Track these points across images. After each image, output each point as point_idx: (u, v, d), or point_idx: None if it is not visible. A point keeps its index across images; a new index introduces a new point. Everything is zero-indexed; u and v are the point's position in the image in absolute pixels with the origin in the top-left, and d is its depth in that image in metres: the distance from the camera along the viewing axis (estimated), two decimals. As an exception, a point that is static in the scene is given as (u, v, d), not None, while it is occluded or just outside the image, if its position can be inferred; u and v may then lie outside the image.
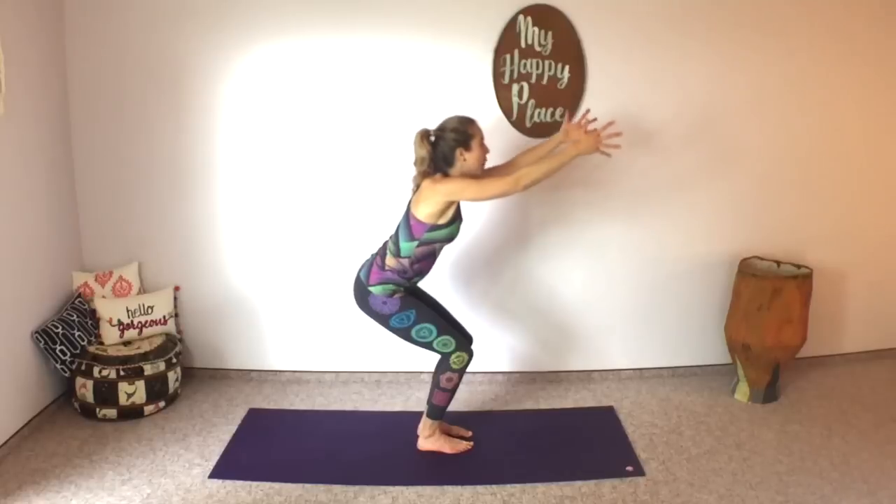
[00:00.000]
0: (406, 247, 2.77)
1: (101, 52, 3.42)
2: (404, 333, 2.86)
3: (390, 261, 2.81)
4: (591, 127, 2.87)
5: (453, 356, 2.87)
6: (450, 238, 2.82)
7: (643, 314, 3.76)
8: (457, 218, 2.80)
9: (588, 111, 2.94)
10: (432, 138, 2.76)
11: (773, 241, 3.72)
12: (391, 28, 3.40)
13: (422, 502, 2.67)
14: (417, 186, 2.80)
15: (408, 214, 2.77)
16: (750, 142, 3.60)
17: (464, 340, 2.92)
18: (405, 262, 2.78)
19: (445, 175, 2.77)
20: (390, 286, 2.81)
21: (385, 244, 2.88)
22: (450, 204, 2.72)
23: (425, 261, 2.83)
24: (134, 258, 3.65)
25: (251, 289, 3.69)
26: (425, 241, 2.76)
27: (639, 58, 3.46)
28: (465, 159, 2.74)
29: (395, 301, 2.80)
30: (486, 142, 3.51)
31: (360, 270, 2.91)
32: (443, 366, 2.91)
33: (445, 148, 2.73)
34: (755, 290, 3.38)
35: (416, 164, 2.78)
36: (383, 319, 2.84)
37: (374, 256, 2.90)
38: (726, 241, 3.71)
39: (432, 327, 2.83)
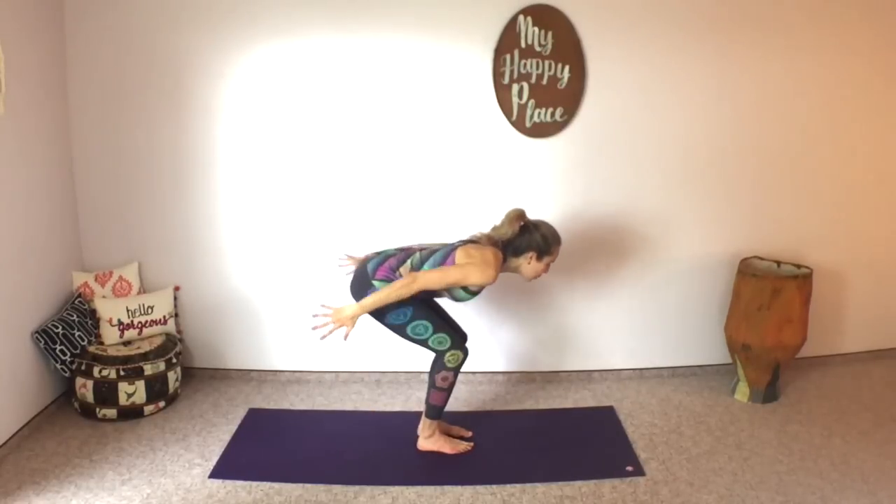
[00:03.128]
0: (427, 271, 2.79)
1: (101, 52, 3.42)
2: (400, 330, 2.86)
3: (404, 270, 2.82)
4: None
5: (448, 354, 2.87)
6: (456, 299, 2.87)
7: (643, 314, 3.76)
8: (478, 293, 2.85)
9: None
10: (523, 224, 2.83)
11: (773, 241, 3.72)
12: (391, 28, 3.40)
13: (422, 502, 2.67)
14: (478, 242, 2.83)
15: (452, 251, 2.79)
16: (751, 141, 3.60)
17: (458, 339, 2.92)
18: None
19: (504, 260, 2.82)
20: None
21: (407, 253, 2.87)
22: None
23: (430, 293, 2.86)
24: (134, 258, 3.65)
25: (251, 289, 3.69)
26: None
27: (639, 57, 3.46)
28: (529, 263, 2.84)
29: None
30: (487, 145, 3.53)
31: (367, 262, 2.91)
32: (437, 364, 2.91)
33: (524, 242, 2.82)
34: (755, 290, 3.38)
35: (494, 230, 2.86)
36: (379, 314, 2.85)
37: (387, 255, 2.89)
38: (726, 241, 3.71)
39: (428, 324, 2.84)
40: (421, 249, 2.88)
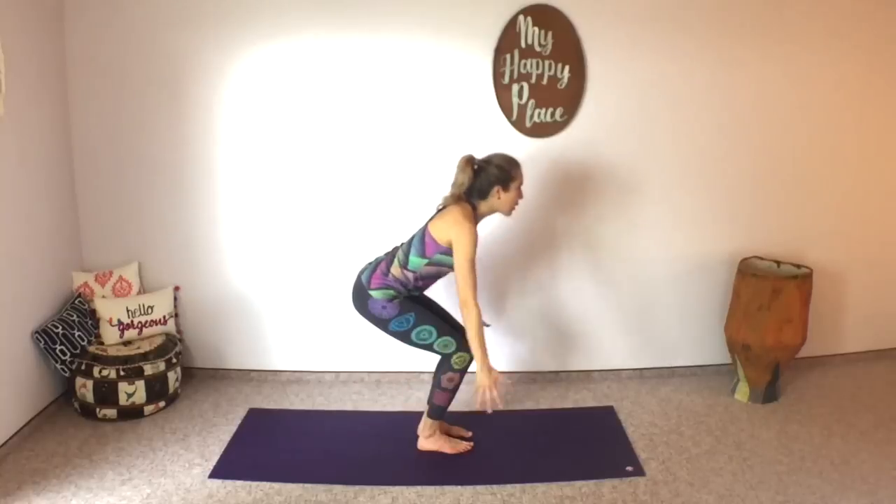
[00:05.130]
0: (415, 261, 2.78)
1: (102, 52, 3.42)
2: (404, 336, 2.85)
3: (395, 270, 2.81)
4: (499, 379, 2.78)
5: (455, 356, 2.87)
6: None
7: (644, 314, 3.76)
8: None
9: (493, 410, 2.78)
10: (476, 166, 2.79)
11: (773, 241, 3.72)
12: (391, 28, 3.40)
13: (422, 502, 2.67)
14: (445, 206, 2.81)
15: (425, 230, 2.78)
16: (750, 141, 3.60)
17: (464, 340, 2.91)
18: (410, 275, 2.80)
19: (474, 208, 2.79)
20: (391, 292, 2.81)
21: (394, 252, 2.88)
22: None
23: (429, 279, 2.86)
24: (134, 258, 3.65)
25: (251, 289, 3.69)
26: (434, 262, 2.78)
27: (639, 57, 3.46)
28: (500, 198, 2.79)
29: (394, 305, 2.80)
30: (487, 144, 3.52)
31: (360, 273, 2.91)
32: (444, 366, 2.90)
33: (485, 181, 2.77)
34: (755, 290, 3.38)
35: (453, 185, 2.81)
36: (382, 324, 2.85)
37: (378, 261, 2.90)
38: (726, 241, 3.71)
39: (432, 329, 2.83)
40: (402, 244, 2.89)
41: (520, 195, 2.85)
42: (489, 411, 2.75)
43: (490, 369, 2.73)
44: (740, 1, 3.44)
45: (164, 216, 3.60)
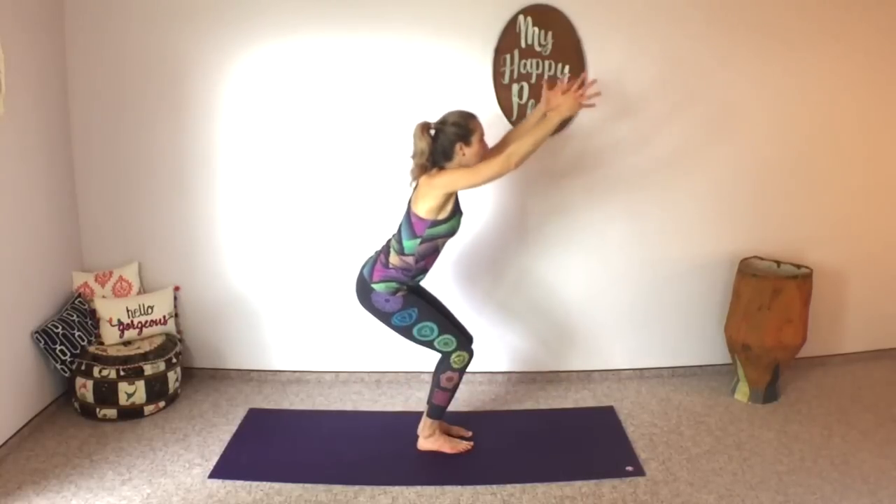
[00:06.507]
0: (409, 244, 2.77)
1: (101, 52, 3.42)
2: (406, 332, 2.86)
3: (394, 259, 2.81)
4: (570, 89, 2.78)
5: (454, 355, 2.87)
6: (451, 232, 2.82)
7: (643, 314, 3.76)
8: (456, 212, 2.80)
9: (564, 76, 2.83)
10: (432, 131, 2.76)
11: (773, 241, 3.72)
12: (391, 28, 3.40)
13: (422, 502, 2.67)
14: (415, 179, 2.80)
15: (409, 212, 2.78)
16: (750, 141, 3.60)
17: (464, 340, 2.92)
18: (409, 259, 2.79)
19: (441, 169, 2.77)
20: (393, 284, 2.81)
21: (388, 242, 2.89)
22: (448, 197, 2.72)
23: (429, 257, 2.85)
24: (134, 258, 3.65)
25: (251, 289, 3.69)
26: (427, 238, 2.77)
27: (639, 58, 3.46)
28: (465, 154, 2.73)
29: (397, 299, 2.80)
30: (486, 140, 3.51)
31: (363, 267, 2.91)
32: (443, 365, 2.91)
33: (445, 142, 2.72)
34: (755, 290, 3.38)
35: (414, 156, 2.77)
36: (385, 317, 2.85)
37: (377, 254, 2.91)
38: (726, 241, 3.71)
39: (434, 326, 2.83)
40: (393, 235, 2.89)
41: (485, 146, 2.81)
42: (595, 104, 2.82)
43: (555, 108, 2.76)
44: (741, 1, 3.44)
45: (164, 216, 3.60)
